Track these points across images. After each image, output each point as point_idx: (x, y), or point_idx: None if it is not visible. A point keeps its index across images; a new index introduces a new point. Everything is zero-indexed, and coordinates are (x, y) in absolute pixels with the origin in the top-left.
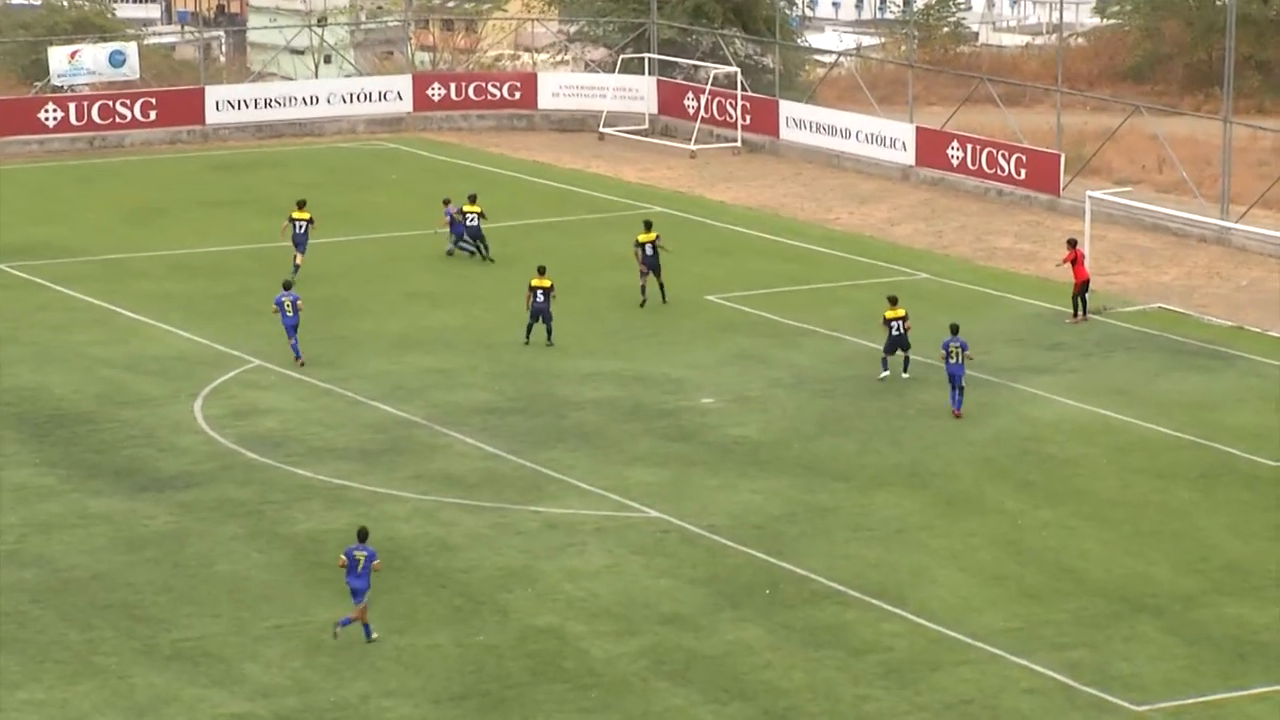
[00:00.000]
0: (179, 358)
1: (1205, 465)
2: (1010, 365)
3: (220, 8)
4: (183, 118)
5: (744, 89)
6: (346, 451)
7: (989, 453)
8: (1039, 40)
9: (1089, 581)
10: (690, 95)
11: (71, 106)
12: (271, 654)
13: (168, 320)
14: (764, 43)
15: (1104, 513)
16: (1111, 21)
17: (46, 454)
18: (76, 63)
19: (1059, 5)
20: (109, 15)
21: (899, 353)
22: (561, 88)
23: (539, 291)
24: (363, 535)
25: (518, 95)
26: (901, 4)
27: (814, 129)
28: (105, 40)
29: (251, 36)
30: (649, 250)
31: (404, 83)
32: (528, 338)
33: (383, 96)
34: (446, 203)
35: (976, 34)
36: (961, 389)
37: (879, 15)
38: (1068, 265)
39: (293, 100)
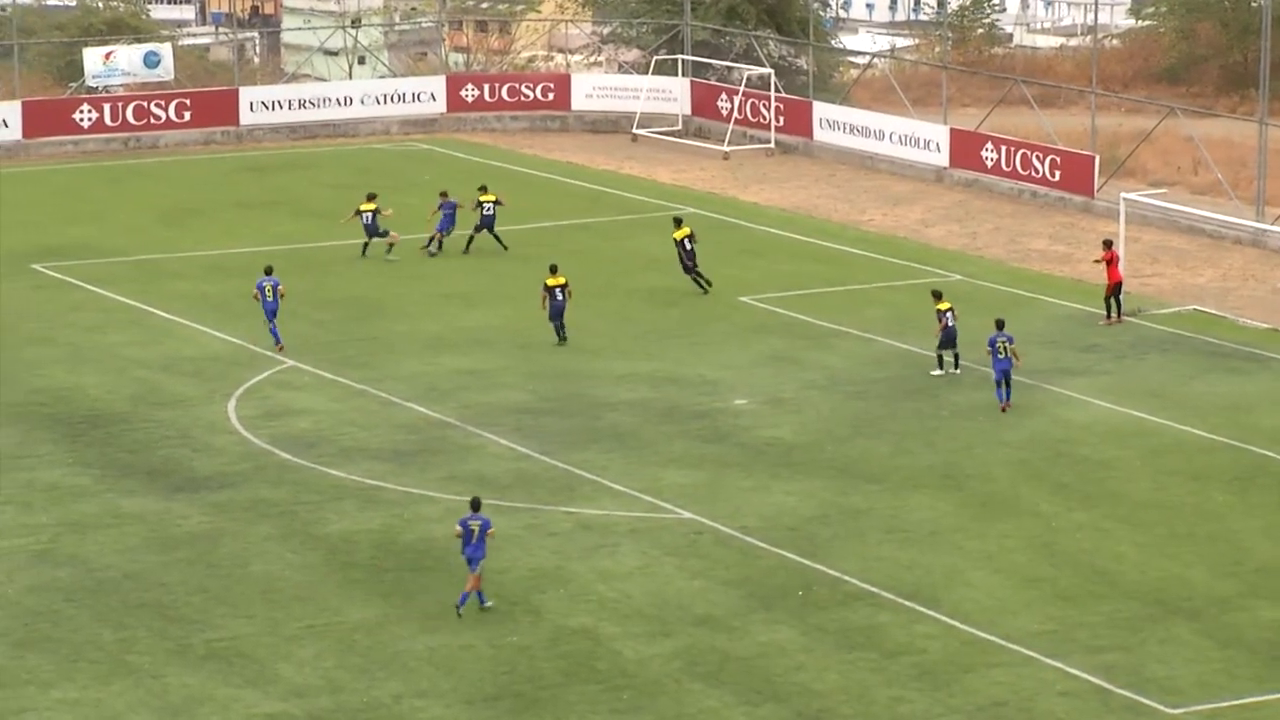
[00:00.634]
0: (213, 358)
1: (1240, 468)
2: (1045, 367)
3: (254, 9)
4: (217, 119)
5: (777, 90)
6: (380, 452)
7: (1023, 455)
8: (1073, 42)
9: (1123, 584)
10: (724, 96)
11: (106, 107)
12: (304, 654)
13: (202, 321)
14: (798, 44)
15: (1138, 515)
16: (1146, 23)
17: (81, 454)
18: (111, 64)
19: (1093, 7)
20: (144, 16)
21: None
22: (595, 89)
23: (557, 290)
24: (476, 505)
25: (551, 96)
26: (936, 5)
27: (848, 130)
28: (140, 41)
29: (285, 38)
30: (687, 245)
31: (438, 84)
32: (559, 338)
33: (416, 98)
34: (444, 195)
35: (1011, 35)
36: (1010, 383)
37: (913, 16)
38: (1101, 265)
39: (326, 101)
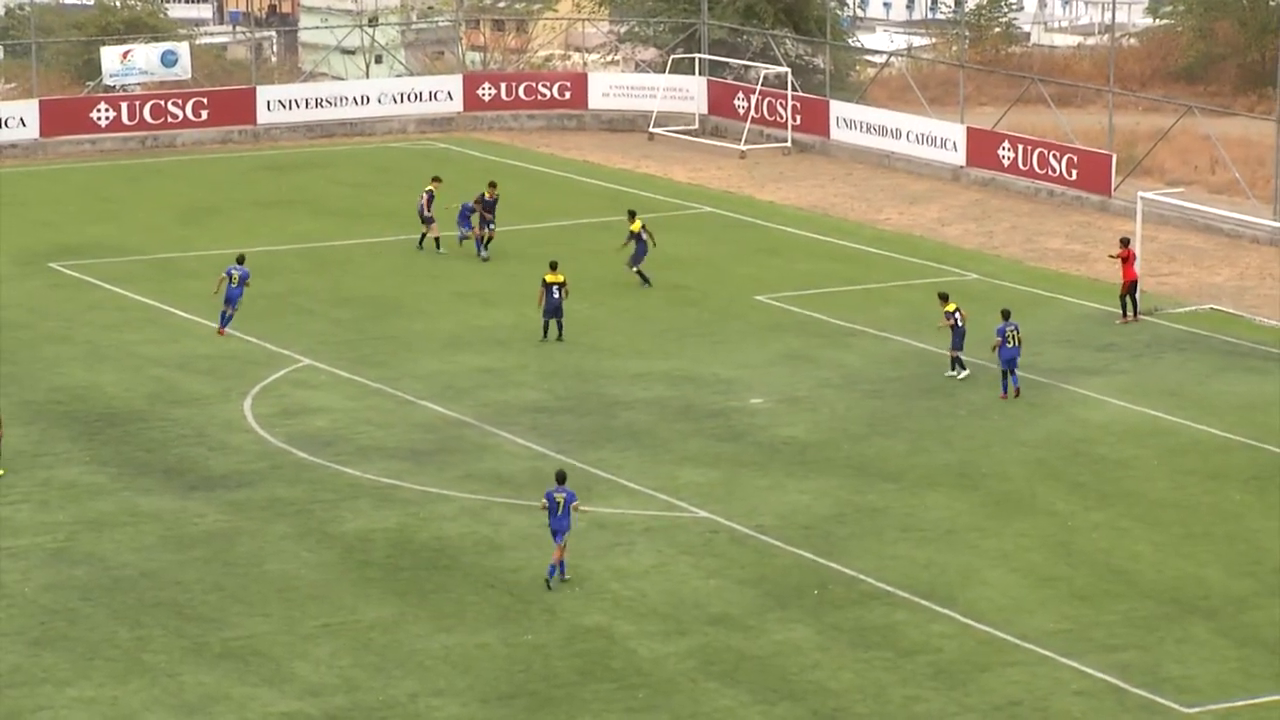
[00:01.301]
0: (229, 357)
1: (1257, 467)
2: (1061, 366)
3: (272, 8)
4: (234, 117)
5: (794, 89)
6: (396, 451)
7: (1040, 454)
8: (1091, 40)
9: (1140, 583)
10: (740, 95)
11: (124, 106)
12: (320, 653)
13: (219, 320)
14: (815, 43)
15: (1155, 514)
16: (1164, 22)
17: (97, 452)
18: (129, 63)
19: (1111, 5)
20: (161, 15)
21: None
22: (611, 88)
23: (554, 287)
24: (561, 477)
25: (568, 95)
26: (953, 4)
27: (864, 129)
28: (157, 40)
29: (303, 36)
30: (643, 236)
31: (454, 83)
32: (545, 334)
33: (433, 96)
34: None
35: (1028, 34)
36: (1015, 372)
37: (930, 15)
38: (1117, 262)
39: (343, 100)
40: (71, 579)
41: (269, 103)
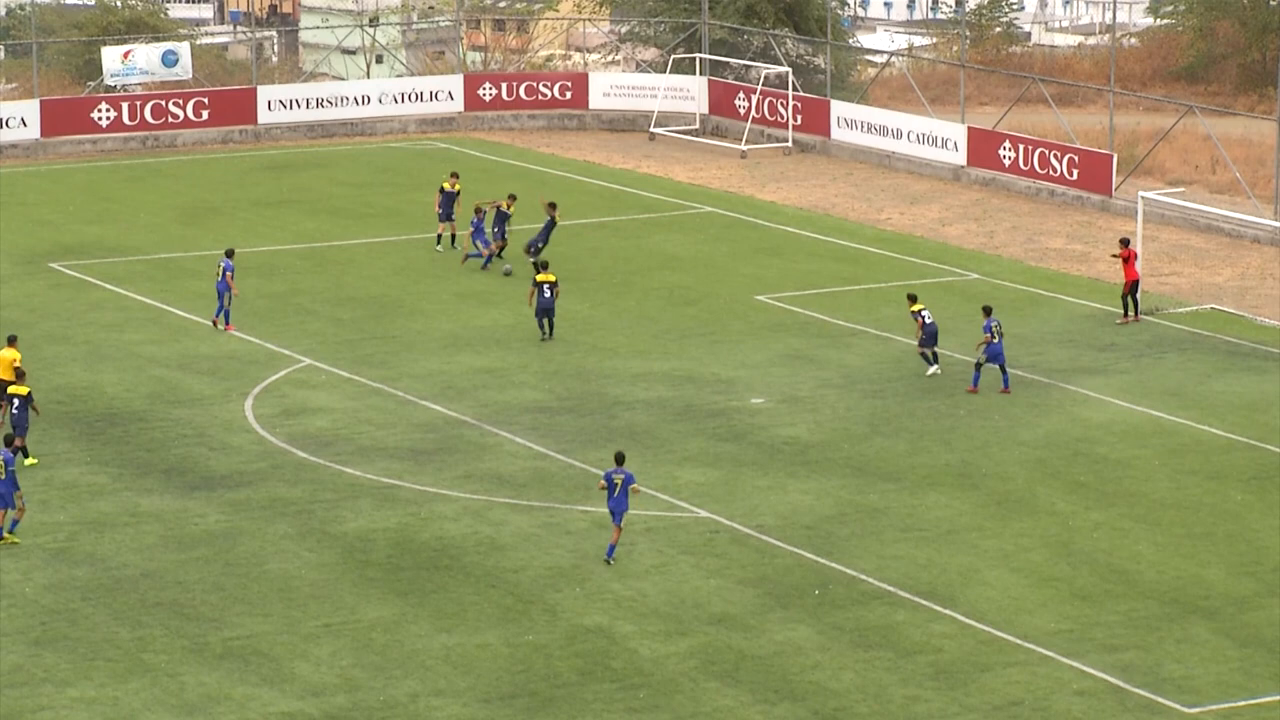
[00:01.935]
0: (230, 357)
1: (1258, 467)
2: (1062, 366)
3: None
4: (235, 117)
5: (795, 89)
6: (396, 451)
7: (1040, 454)
8: (1091, 40)
9: (1141, 583)
10: (741, 95)
11: (125, 106)
12: (321, 653)
13: (222, 316)
14: (815, 43)
15: (1156, 514)
16: (1165, 21)
17: (98, 452)
18: (129, 62)
19: (1112, 5)
20: (162, 15)
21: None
22: (612, 88)
23: (545, 286)
24: (620, 458)
25: (569, 95)
26: (953, 4)
27: (865, 129)
28: (158, 40)
29: (303, 36)
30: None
31: (455, 83)
32: (543, 333)
33: (434, 96)
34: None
35: (1029, 34)
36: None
37: (931, 15)
38: (1119, 262)
39: (344, 100)
40: (72, 579)
41: (270, 103)
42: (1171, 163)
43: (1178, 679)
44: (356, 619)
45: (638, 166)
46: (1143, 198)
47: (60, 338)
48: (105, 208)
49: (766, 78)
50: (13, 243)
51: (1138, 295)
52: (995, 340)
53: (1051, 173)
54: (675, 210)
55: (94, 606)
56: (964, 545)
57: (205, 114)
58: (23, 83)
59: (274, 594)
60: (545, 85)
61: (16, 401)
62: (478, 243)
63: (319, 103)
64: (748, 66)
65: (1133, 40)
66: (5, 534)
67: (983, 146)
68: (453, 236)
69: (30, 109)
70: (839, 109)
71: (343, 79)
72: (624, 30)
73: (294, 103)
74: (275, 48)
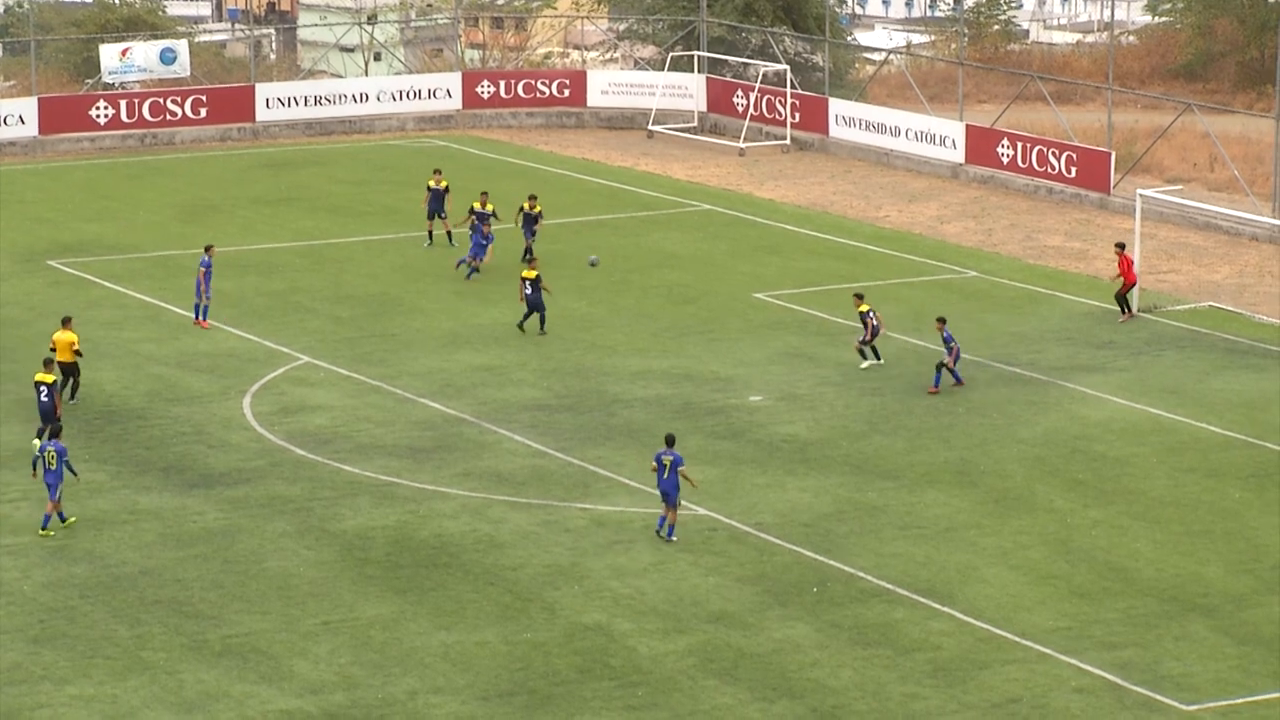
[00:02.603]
0: (229, 354)
1: (1257, 464)
2: (1060, 364)
3: (271, 5)
4: (233, 115)
5: (793, 87)
6: (395, 448)
7: (1039, 451)
8: (1090, 38)
9: (1139, 581)
10: (739, 93)
11: (123, 104)
12: (320, 650)
13: (218, 317)
14: (814, 40)
15: (1154, 512)
16: (1163, 19)
17: (97, 450)
18: (128, 60)
19: (1110, 3)
20: (160, 13)
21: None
22: (611, 85)
23: (526, 283)
24: (670, 440)
25: (567, 93)
26: (952, 2)
27: (863, 127)
28: (156, 38)
29: (302, 34)
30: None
31: (453, 80)
32: (522, 326)
33: (432, 94)
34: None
35: (1027, 32)
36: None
37: (929, 13)
38: (1124, 265)
39: (342, 98)
40: (71, 577)
41: (268, 100)
42: (1170, 160)
43: (1176, 676)
44: (355, 616)
45: (636, 164)
46: (1141, 195)
47: None
48: (103, 205)
49: (765, 75)
50: (11, 240)
51: (1132, 295)
52: (954, 345)
53: (1050, 170)
54: (673, 208)
55: (92, 604)
56: (962, 543)
57: (203, 112)
58: (21, 80)
59: (272, 591)
60: (543, 83)
61: (45, 390)
62: (469, 257)
63: (317, 100)
64: (746, 64)
65: (1131, 38)
66: (63, 520)
67: (981, 144)
68: (448, 233)
69: (28, 106)
70: (837, 107)
71: (341, 77)
72: (622, 28)
73: (292, 100)
74: (273, 45)
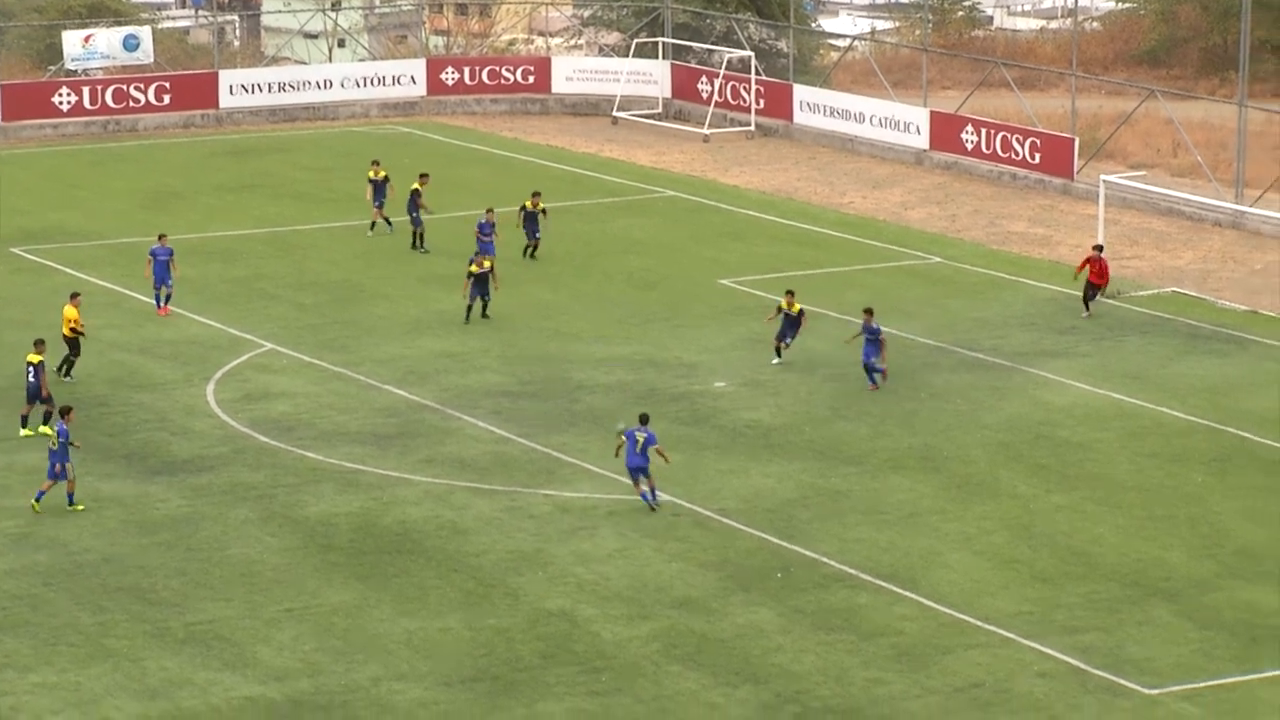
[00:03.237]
0: (192, 342)
1: (1219, 449)
2: (1024, 349)
3: None
4: (196, 102)
5: (758, 73)
6: (358, 435)
7: (1002, 437)
8: (1054, 24)
9: (1102, 565)
10: (704, 79)
11: (85, 90)
12: (283, 637)
13: (181, 304)
14: (778, 27)
15: (1117, 497)
16: (1127, 5)
17: None
18: (90, 47)
19: None
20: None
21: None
22: (575, 72)
23: (470, 276)
24: (644, 419)
25: (531, 79)
26: None
27: (828, 113)
28: (119, 24)
29: (266, 21)
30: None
31: (418, 67)
32: (466, 315)
33: (396, 81)
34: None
35: (991, 18)
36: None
37: None
38: (1098, 267)
39: (306, 84)
40: (33, 564)
41: (231, 87)
42: (1133, 146)
43: (1139, 660)
44: (318, 603)
45: (600, 150)
46: (1104, 181)
47: (21, 323)
48: (67, 192)
49: (729, 62)
50: None
51: (1094, 295)
52: (867, 341)
53: (1014, 156)
54: (638, 194)
55: (55, 592)
56: (926, 528)
57: (167, 98)
58: None
59: (236, 579)
60: (508, 69)
61: (31, 370)
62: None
63: (281, 87)
64: (710, 50)
65: (1095, 24)
66: (74, 506)
67: (945, 130)
68: (386, 219)
69: None
70: (801, 93)
71: (305, 63)
72: (586, 14)
73: (256, 87)
74: (237, 32)
